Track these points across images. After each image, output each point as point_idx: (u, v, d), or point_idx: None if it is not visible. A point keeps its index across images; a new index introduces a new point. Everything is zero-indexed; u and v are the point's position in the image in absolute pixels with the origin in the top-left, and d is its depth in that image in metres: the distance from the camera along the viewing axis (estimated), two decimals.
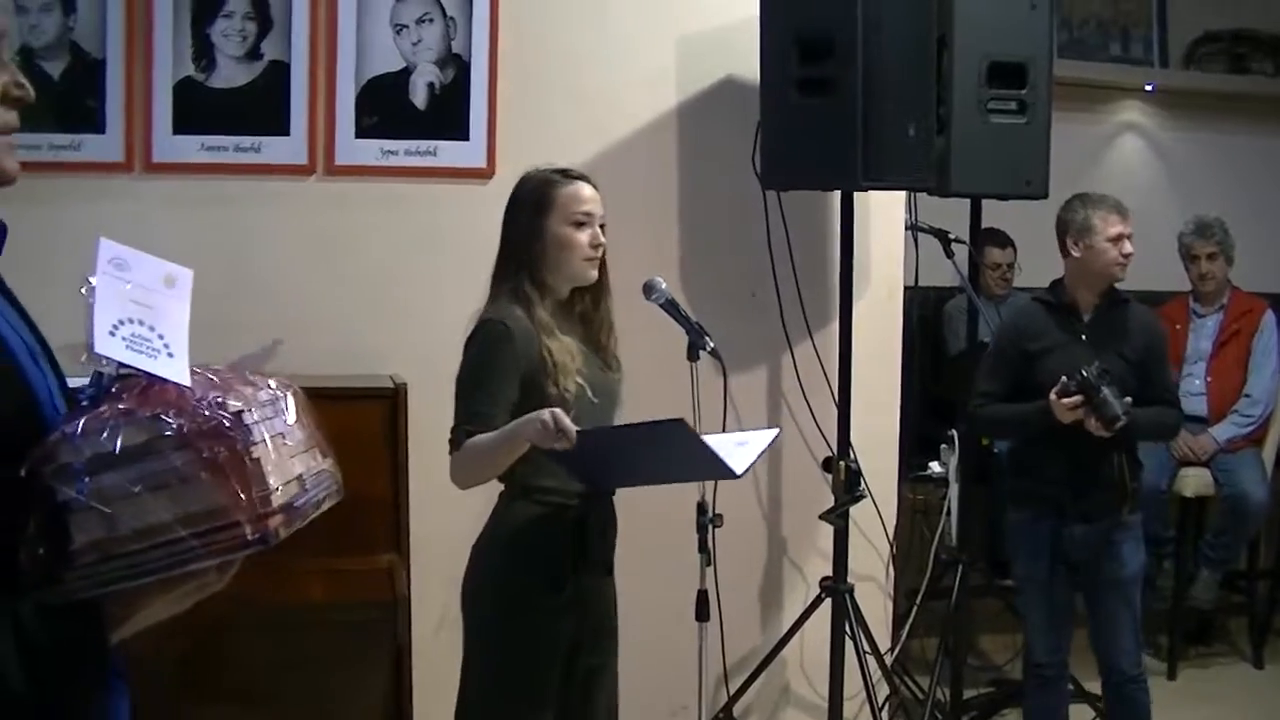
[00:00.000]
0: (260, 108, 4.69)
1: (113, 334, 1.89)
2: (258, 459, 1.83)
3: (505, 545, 3.55)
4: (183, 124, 4.65)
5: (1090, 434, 4.48)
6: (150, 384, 1.85)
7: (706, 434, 3.54)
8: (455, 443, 3.42)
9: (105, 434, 1.78)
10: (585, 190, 3.65)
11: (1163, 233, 6.56)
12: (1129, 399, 4.42)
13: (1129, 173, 7.81)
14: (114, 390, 1.84)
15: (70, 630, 1.75)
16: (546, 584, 3.52)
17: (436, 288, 4.61)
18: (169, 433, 1.78)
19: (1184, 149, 8.03)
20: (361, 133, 4.75)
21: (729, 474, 3.43)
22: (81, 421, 1.78)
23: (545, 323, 3.52)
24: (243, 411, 1.84)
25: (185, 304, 2.03)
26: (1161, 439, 5.57)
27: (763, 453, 3.66)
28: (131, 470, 1.77)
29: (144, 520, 1.76)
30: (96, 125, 4.61)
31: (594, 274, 3.65)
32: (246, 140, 4.69)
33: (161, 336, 1.94)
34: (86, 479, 1.76)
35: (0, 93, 1.82)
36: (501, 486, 3.58)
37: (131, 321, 1.92)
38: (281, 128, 4.70)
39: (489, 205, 4.73)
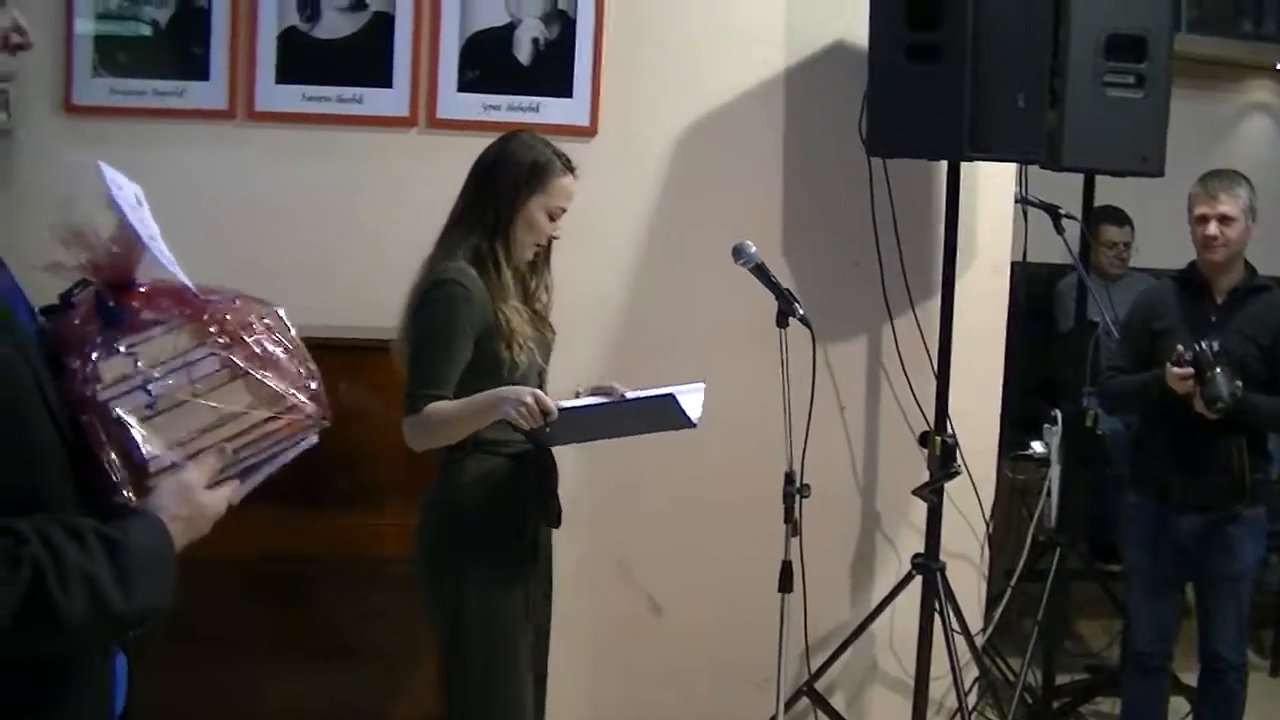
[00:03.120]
0: (363, 59, 4.77)
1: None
2: (289, 352, 2.01)
3: (466, 499, 3.61)
4: (286, 73, 4.75)
5: (1206, 420, 4.46)
6: (158, 291, 1.97)
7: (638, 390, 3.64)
8: (413, 407, 3.48)
9: (152, 342, 1.91)
10: (572, 186, 3.72)
11: None
12: (1240, 384, 4.39)
13: (1257, 153, 7.70)
14: (110, 304, 1.94)
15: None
16: (511, 533, 3.60)
17: None
18: (212, 334, 1.94)
19: None
20: (464, 86, 4.81)
21: (688, 424, 3.52)
22: (125, 337, 1.89)
23: (507, 288, 3.59)
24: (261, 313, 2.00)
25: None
26: None
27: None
28: (185, 373, 1.91)
29: (216, 415, 1.91)
30: (201, 73, 4.72)
31: (530, 257, 3.71)
32: (349, 91, 4.77)
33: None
34: (149, 388, 1.88)
35: (0, 39, 1.87)
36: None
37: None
38: (384, 79, 4.78)
39: (593, 163, 4.82)
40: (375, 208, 4.73)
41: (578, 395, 3.74)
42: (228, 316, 2.03)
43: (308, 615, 4.34)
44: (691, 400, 3.53)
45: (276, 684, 4.27)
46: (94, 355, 1.92)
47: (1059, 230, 5.25)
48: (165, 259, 2.05)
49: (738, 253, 3.95)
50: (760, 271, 3.94)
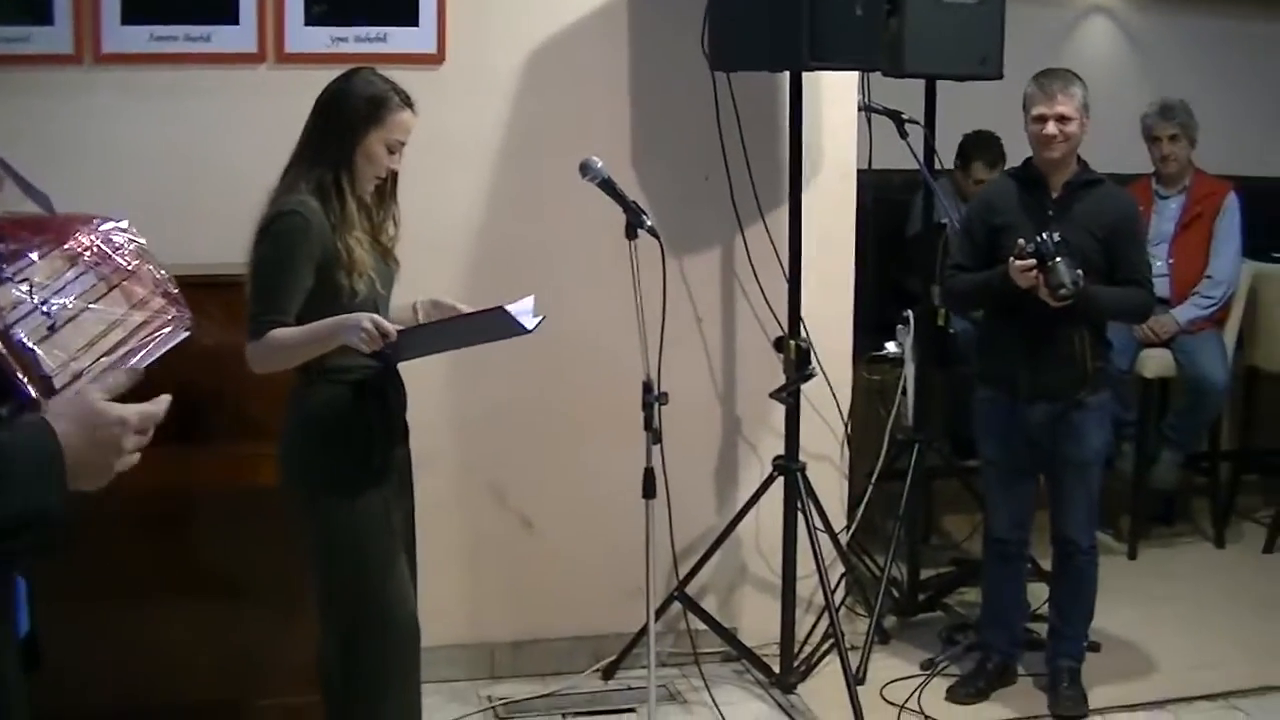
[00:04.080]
0: None
1: None
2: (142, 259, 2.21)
3: (316, 428, 3.79)
4: (132, 14, 4.76)
5: (1050, 311, 4.65)
6: (15, 223, 2.15)
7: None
8: (256, 332, 3.64)
9: (34, 267, 2.05)
10: (411, 121, 3.85)
11: (1129, 115, 6.69)
12: (1081, 272, 4.57)
13: (1097, 56, 7.90)
14: None
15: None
16: (362, 457, 3.77)
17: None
18: (81, 254, 2.13)
19: (1153, 32, 8.12)
20: (311, 20, 4.87)
21: (524, 332, 3.72)
22: (7, 266, 2.03)
23: (350, 218, 3.74)
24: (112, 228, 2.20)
25: None
26: (1130, 319, 5.64)
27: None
28: (71, 289, 2.08)
29: (104, 322, 2.09)
30: (45, 17, 4.73)
31: (372, 189, 3.85)
32: (196, 30, 4.80)
33: None
34: (45, 309, 2.02)
35: None
36: (296, 371, 3.80)
37: None
38: (231, 16, 4.82)
39: (439, 92, 4.94)
40: (229, 145, 4.76)
41: (415, 311, 3.95)
42: (90, 235, 2.16)
43: (195, 550, 4.45)
44: (521, 309, 3.71)
45: (168, 621, 4.39)
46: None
47: (903, 135, 5.42)
48: (29, 185, 2.19)
49: (584, 169, 4.10)
50: (608, 186, 4.09)
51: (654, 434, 4.22)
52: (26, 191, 2.19)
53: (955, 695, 5.05)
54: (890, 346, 5.90)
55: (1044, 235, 4.58)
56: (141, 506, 4.26)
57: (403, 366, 3.89)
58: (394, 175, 3.90)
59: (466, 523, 5.21)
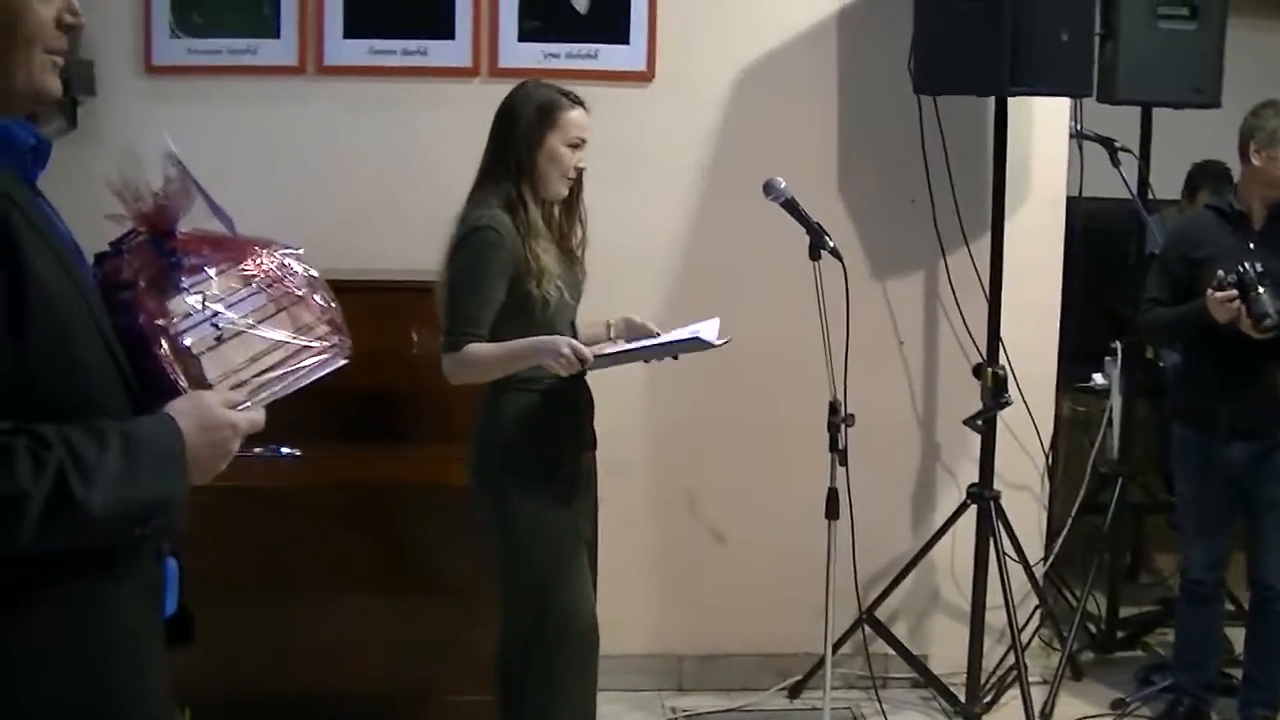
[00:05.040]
0: (427, 12, 5.02)
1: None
2: (312, 288, 2.35)
3: (508, 435, 3.93)
4: (353, 28, 5.00)
5: (1249, 347, 4.57)
6: (197, 239, 2.30)
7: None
8: (454, 345, 3.79)
9: (210, 283, 2.24)
10: (585, 117, 3.97)
11: None
12: None
13: None
14: (167, 249, 2.25)
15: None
16: (551, 465, 3.91)
17: (592, 188, 4.84)
18: (256, 275, 2.28)
19: None
20: (524, 36, 5.04)
21: (710, 347, 3.89)
22: (186, 278, 2.21)
23: (535, 227, 3.87)
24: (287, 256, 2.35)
25: None
26: None
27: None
28: (241, 308, 2.24)
29: (267, 341, 2.25)
30: (273, 30, 5.00)
31: (565, 192, 3.97)
32: (413, 44, 5.02)
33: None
34: (215, 321, 2.21)
35: (55, 19, 2.05)
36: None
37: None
38: (447, 31, 5.02)
39: (649, 109, 5.10)
40: (441, 156, 4.92)
41: (608, 328, 4.12)
42: (267, 259, 2.33)
43: (384, 545, 4.64)
44: (709, 330, 3.88)
45: (355, 612, 4.58)
46: (161, 294, 2.22)
47: (1115, 163, 5.38)
48: (217, 206, 2.37)
49: (768, 189, 4.17)
50: (790, 206, 4.15)
51: (840, 455, 4.27)
52: (214, 211, 2.37)
53: None
54: (1097, 378, 5.85)
55: (1245, 265, 4.50)
56: (338, 500, 4.49)
57: (597, 376, 4.01)
58: (579, 179, 4.02)
59: (657, 533, 5.32)
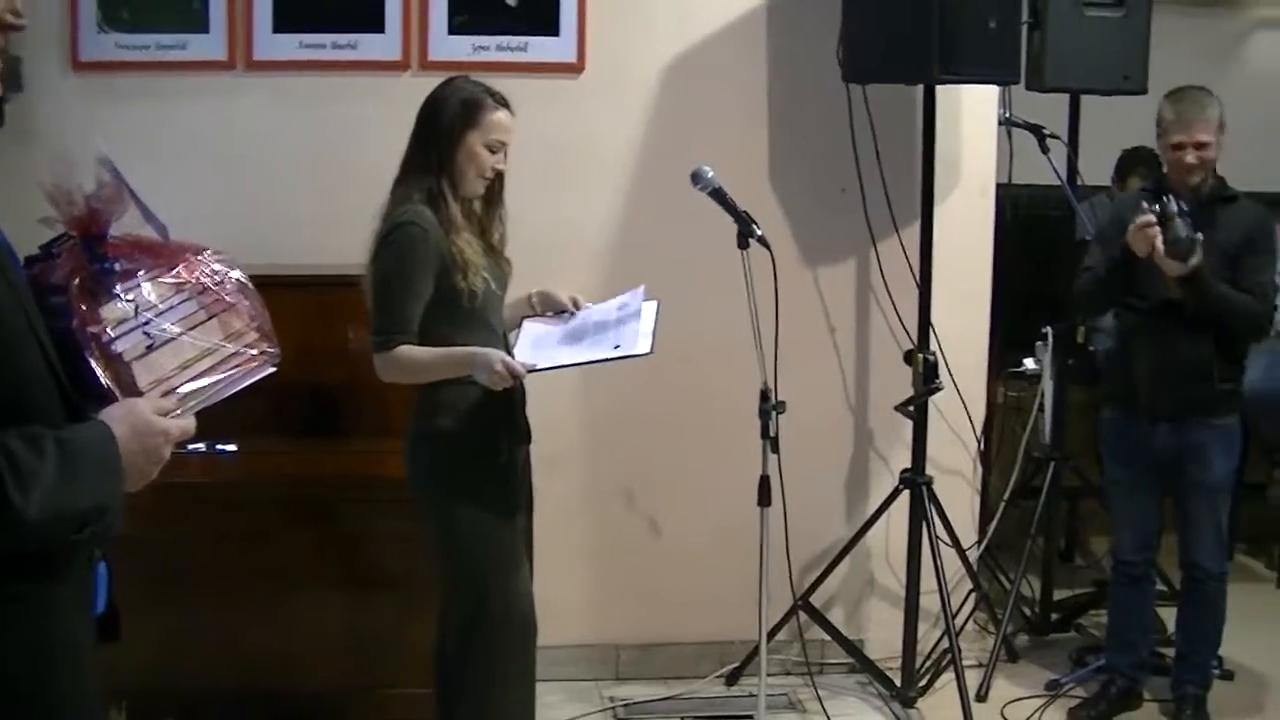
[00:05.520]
0: (356, 6, 5.04)
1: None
2: (242, 293, 2.39)
3: (446, 429, 3.95)
4: (282, 22, 4.99)
5: (1178, 328, 4.67)
6: (129, 244, 2.34)
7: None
8: (385, 345, 3.85)
9: (141, 289, 2.27)
10: (509, 120, 4.00)
11: None
12: (1200, 236, 4.51)
13: (1265, 72, 7.81)
14: (99, 254, 2.28)
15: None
16: (487, 457, 3.95)
17: (524, 181, 4.76)
18: (188, 282, 2.32)
19: None
20: (454, 29, 5.05)
21: (641, 346, 3.93)
22: (118, 283, 2.24)
23: (456, 222, 3.90)
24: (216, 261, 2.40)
25: None
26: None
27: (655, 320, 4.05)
28: (172, 314, 2.29)
29: (197, 348, 2.30)
30: (202, 25, 4.98)
31: (481, 191, 4.01)
32: (343, 38, 5.03)
33: None
34: (147, 329, 2.25)
35: None
36: None
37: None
38: (377, 25, 5.03)
39: (579, 100, 5.12)
40: (373, 149, 4.88)
41: (531, 304, 4.19)
42: (197, 266, 2.36)
43: (325, 540, 4.64)
44: (635, 299, 4.04)
45: (296, 607, 4.60)
46: (94, 300, 2.24)
47: (1044, 150, 5.45)
48: (149, 212, 2.39)
49: (696, 178, 4.20)
50: (719, 195, 4.18)
51: (771, 442, 4.31)
52: (147, 218, 2.40)
53: (1076, 717, 5.05)
54: (1029, 363, 5.92)
55: (1167, 196, 4.57)
56: (276, 495, 4.50)
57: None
58: (500, 177, 4.05)
59: (594, 524, 5.35)
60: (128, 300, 2.26)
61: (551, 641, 4.42)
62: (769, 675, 4.61)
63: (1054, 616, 5.86)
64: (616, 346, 3.92)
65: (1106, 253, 4.90)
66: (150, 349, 2.26)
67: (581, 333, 4.06)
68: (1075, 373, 5.81)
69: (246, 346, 2.38)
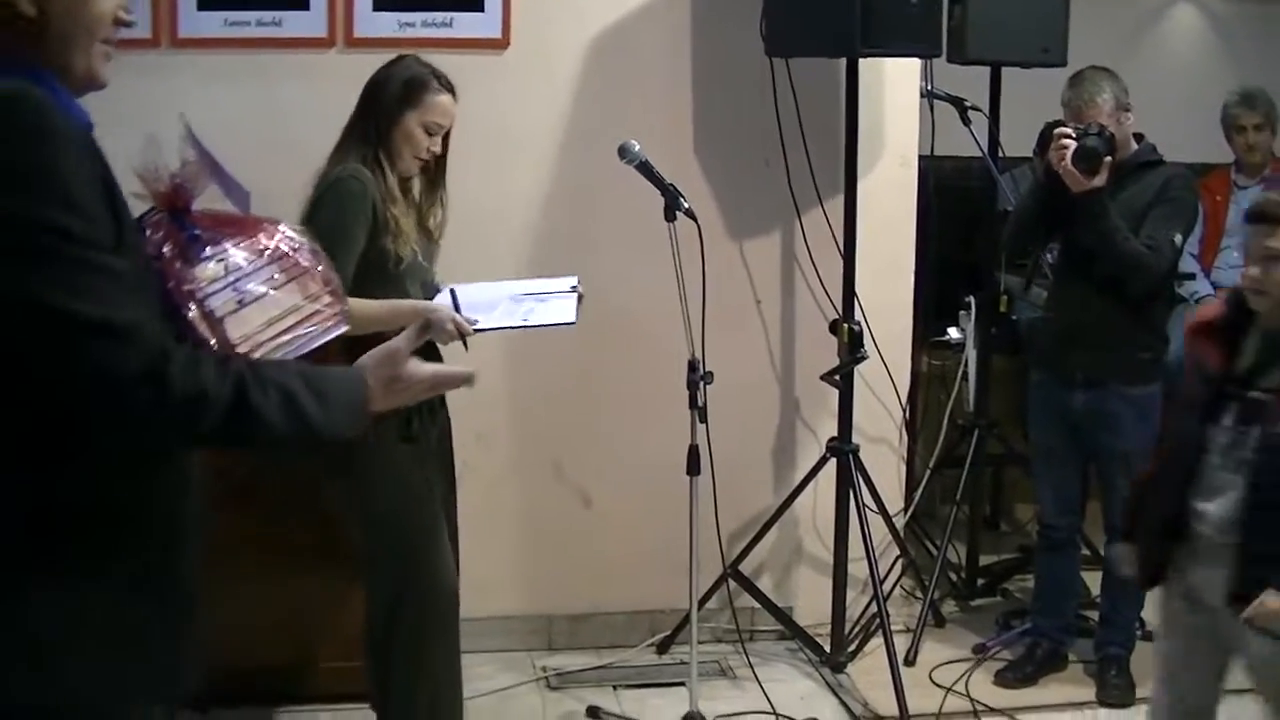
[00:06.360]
0: None
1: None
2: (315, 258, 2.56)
3: None
4: (208, 0, 5.01)
5: (1097, 300, 4.79)
6: (209, 215, 2.50)
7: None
8: None
9: (229, 254, 2.46)
10: (450, 104, 4.07)
11: (1211, 106, 6.74)
12: (1110, 160, 4.65)
13: (1182, 44, 7.93)
14: (187, 223, 2.45)
15: None
16: (401, 425, 3.97)
17: (454, 157, 4.55)
18: (268, 248, 2.49)
19: (1239, 20, 8.14)
20: (379, 5, 5.06)
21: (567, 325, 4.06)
22: (207, 248, 2.42)
23: (393, 193, 3.97)
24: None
25: None
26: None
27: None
28: (258, 275, 2.46)
29: (282, 306, 2.47)
30: None
31: (415, 171, 4.09)
32: (268, 15, 5.03)
33: None
34: (237, 286, 2.41)
35: (112, 16, 2.27)
36: None
37: None
38: (302, 2, 5.04)
39: (505, 76, 5.15)
40: (300, 127, 4.93)
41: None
42: (275, 234, 2.53)
43: (256, 517, 4.66)
44: (561, 284, 4.13)
45: (230, 585, 4.61)
46: (187, 263, 2.41)
47: (966, 122, 5.55)
48: (233, 181, 2.69)
49: (623, 152, 4.27)
50: (645, 169, 4.26)
51: (700, 412, 4.40)
52: (228, 190, 2.54)
53: (1003, 679, 5.15)
54: (952, 332, 6.02)
55: (1097, 125, 4.68)
56: (205, 471, 4.52)
57: (453, 345, 4.08)
58: (440, 161, 4.10)
59: (524, 496, 5.41)
60: (218, 262, 2.43)
61: (483, 613, 4.48)
62: (700, 643, 4.70)
63: (980, 582, 5.96)
64: (543, 312, 4.03)
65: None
66: (240, 305, 2.42)
67: (512, 300, 4.12)
68: (998, 341, 5.93)
69: (325, 305, 2.53)
